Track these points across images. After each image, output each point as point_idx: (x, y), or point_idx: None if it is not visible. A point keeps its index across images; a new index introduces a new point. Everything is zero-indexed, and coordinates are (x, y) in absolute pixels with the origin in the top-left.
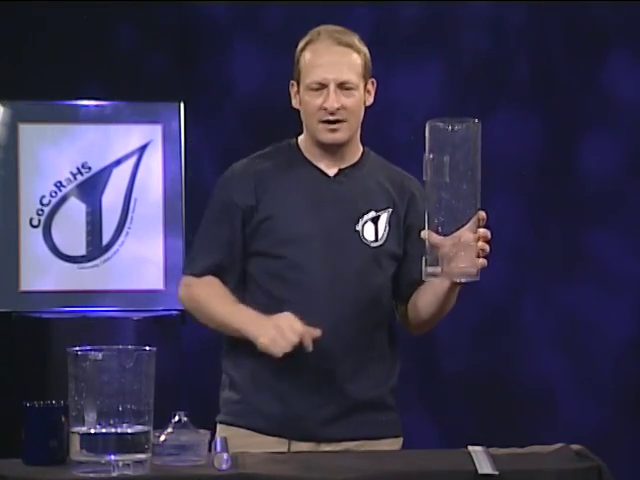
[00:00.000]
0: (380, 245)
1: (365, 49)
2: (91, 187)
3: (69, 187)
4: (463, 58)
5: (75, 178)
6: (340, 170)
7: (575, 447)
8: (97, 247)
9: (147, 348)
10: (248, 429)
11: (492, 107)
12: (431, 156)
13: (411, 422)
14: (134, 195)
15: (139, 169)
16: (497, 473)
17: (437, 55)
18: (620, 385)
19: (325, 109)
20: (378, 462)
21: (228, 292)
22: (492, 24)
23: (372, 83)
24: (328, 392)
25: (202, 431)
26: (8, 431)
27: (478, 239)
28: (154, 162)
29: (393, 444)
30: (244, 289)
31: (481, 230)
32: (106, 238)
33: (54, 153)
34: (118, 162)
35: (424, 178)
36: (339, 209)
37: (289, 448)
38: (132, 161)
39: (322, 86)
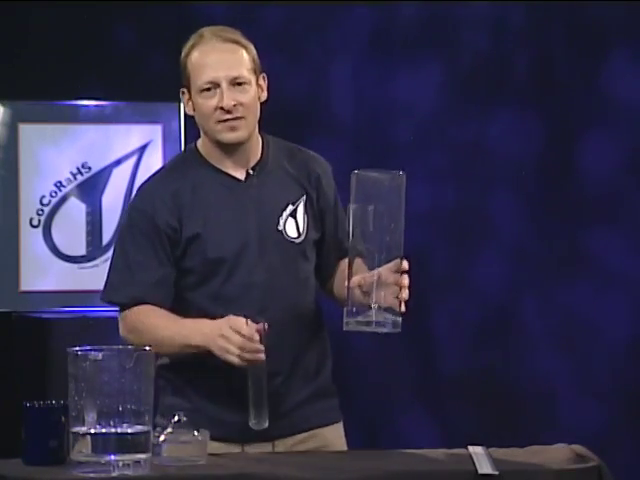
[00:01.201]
0: (304, 239)
1: (251, 44)
2: (91, 187)
3: (69, 187)
4: (463, 58)
5: (75, 178)
6: (249, 172)
7: (575, 447)
8: (97, 247)
9: (147, 348)
10: None
11: (492, 107)
12: (354, 206)
13: (411, 422)
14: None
15: (139, 169)
16: (497, 473)
17: (437, 55)
18: (620, 385)
19: (221, 108)
20: (378, 462)
21: (167, 312)
22: (492, 24)
23: (263, 78)
24: (274, 392)
25: (202, 431)
26: (8, 431)
27: (397, 283)
28: (154, 162)
29: (338, 429)
30: (178, 310)
31: (400, 275)
32: (106, 238)
33: (54, 153)
34: (118, 162)
35: (347, 228)
36: (259, 214)
37: (242, 450)
38: (132, 161)
39: (214, 85)
